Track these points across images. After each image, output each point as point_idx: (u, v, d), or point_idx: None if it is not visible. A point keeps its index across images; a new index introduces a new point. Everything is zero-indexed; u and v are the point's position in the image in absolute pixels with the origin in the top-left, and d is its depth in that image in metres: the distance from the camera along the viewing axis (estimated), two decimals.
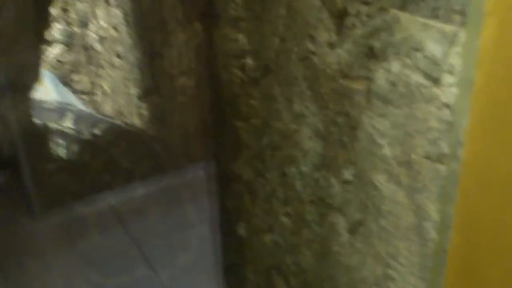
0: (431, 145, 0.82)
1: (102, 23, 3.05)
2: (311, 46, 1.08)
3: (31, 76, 1.35)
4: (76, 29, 3.49)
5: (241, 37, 1.36)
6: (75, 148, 2.29)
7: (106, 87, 3.20)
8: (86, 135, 2.35)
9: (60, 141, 2.24)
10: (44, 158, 1.77)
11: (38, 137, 1.51)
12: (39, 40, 1.37)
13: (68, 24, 3.50)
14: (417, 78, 0.81)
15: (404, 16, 0.81)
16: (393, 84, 0.87)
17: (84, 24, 3.38)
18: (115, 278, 1.83)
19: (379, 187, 0.96)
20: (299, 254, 1.33)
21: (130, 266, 1.86)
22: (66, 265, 1.96)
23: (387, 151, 0.92)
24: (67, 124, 2.40)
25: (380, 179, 0.95)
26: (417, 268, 0.91)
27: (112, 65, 2.96)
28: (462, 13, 0.69)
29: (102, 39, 3.10)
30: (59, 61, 3.54)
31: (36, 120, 1.49)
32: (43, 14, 1.54)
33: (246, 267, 1.66)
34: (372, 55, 0.91)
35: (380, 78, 0.90)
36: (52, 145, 1.89)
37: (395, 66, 0.86)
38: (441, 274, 0.84)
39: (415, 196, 0.88)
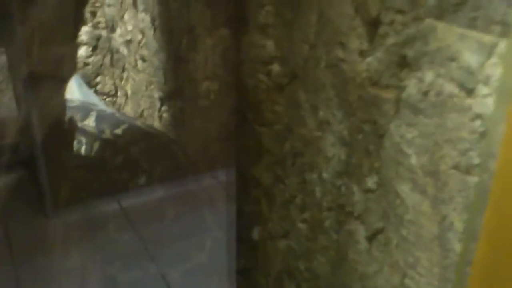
0: (461, 156, 0.82)
1: (129, 27, 3.09)
2: (341, 54, 1.09)
3: (69, 68, 1.37)
4: (103, 32, 3.54)
5: (269, 44, 1.37)
6: (96, 146, 2.31)
7: (128, 89, 3.23)
8: (107, 134, 2.37)
9: (82, 138, 2.27)
10: (63, 155, 1.79)
11: (60, 133, 1.53)
12: (76, 35, 1.40)
13: (95, 27, 3.55)
14: (450, 88, 0.82)
15: (440, 26, 0.82)
16: (425, 93, 0.87)
17: (111, 28, 3.43)
18: (128, 273, 1.84)
19: (402, 196, 0.96)
20: (313, 260, 1.33)
21: (143, 264, 1.87)
22: (77, 261, 1.97)
23: (413, 160, 0.92)
24: (90, 123, 2.43)
25: (404, 189, 0.96)
26: (436, 279, 0.91)
27: (136, 68, 3.00)
28: (503, 23, 0.70)
29: (128, 43, 3.14)
30: (84, 62, 3.59)
31: (60, 117, 1.52)
32: (79, 12, 1.58)
33: (258, 271, 1.66)
34: (404, 64, 0.92)
35: (412, 87, 0.90)
36: (73, 143, 1.91)
37: (428, 75, 0.86)
38: (464, 286, 0.83)
39: (440, 206, 0.88)
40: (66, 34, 1.31)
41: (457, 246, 0.84)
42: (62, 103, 1.47)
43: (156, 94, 2.71)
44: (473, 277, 0.79)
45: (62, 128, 1.51)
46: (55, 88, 1.36)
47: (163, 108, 2.66)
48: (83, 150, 2.28)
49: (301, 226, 1.38)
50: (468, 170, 0.80)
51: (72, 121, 1.54)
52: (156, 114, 2.75)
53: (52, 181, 2.00)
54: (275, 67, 1.36)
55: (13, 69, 1.17)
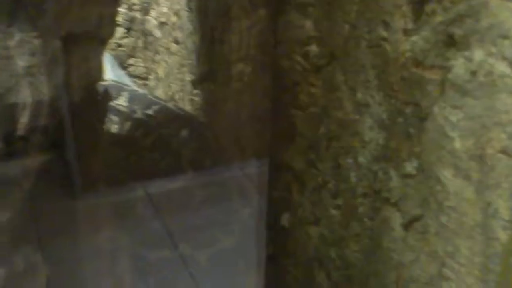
0: (510, 139, 0.77)
1: (163, 9, 3.09)
2: (384, 33, 1.05)
3: (107, 29, 1.37)
4: (137, 14, 3.54)
5: (308, 23, 1.34)
6: (127, 125, 2.32)
7: (160, 72, 3.23)
8: (139, 114, 2.38)
9: (114, 117, 2.28)
10: (95, 130, 1.79)
11: (94, 103, 1.53)
12: None
13: (130, 9, 3.55)
14: (501, 67, 0.77)
15: (493, 1, 0.77)
16: (473, 73, 0.83)
17: (145, 10, 3.42)
18: (158, 251, 1.84)
19: (444, 182, 0.92)
20: (345, 248, 1.30)
21: (172, 244, 1.87)
22: (101, 243, 1.98)
23: (457, 144, 0.88)
24: (122, 102, 2.44)
25: (446, 174, 0.92)
26: (478, 269, 0.87)
27: (169, 51, 2.99)
28: None
29: (161, 25, 3.13)
30: (118, 44, 3.60)
31: (96, 80, 1.51)
32: None
33: (287, 258, 1.63)
34: (451, 43, 0.88)
35: (459, 67, 0.86)
36: (106, 115, 1.92)
37: (477, 54, 0.82)
38: (509, 277, 0.79)
39: (484, 192, 0.83)
40: None
41: (502, 235, 0.80)
42: (100, 65, 1.47)
43: (188, 77, 2.70)
44: None
45: (96, 97, 1.50)
46: (94, 49, 1.35)
47: (195, 91, 2.65)
48: (114, 128, 2.29)
49: (334, 212, 1.35)
50: None
51: (107, 92, 1.54)
52: (187, 97, 2.74)
53: (81, 162, 2.01)
54: (313, 48, 1.33)
55: (50, 32, 1.16)
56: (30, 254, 1.45)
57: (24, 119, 1.23)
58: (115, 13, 1.37)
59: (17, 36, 1.18)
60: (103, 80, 1.60)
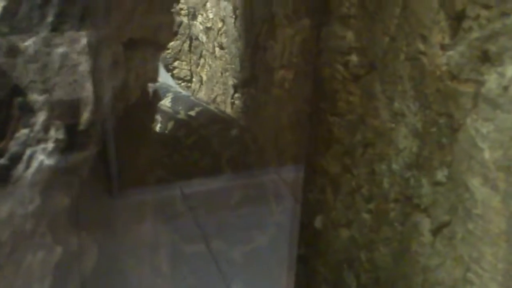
0: None
1: (210, 15, 3.18)
2: (421, 47, 1.10)
3: (165, 36, 1.46)
4: (184, 19, 3.66)
5: (349, 34, 1.40)
6: (170, 125, 2.41)
7: (204, 75, 3.33)
8: (182, 115, 2.47)
9: (158, 117, 2.38)
10: (143, 128, 1.88)
11: (145, 103, 1.62)
12: (172, 6, 1.50)
13: (178, 13, 3.67)
14: None
15: None
16: (504, 88, 0.88)
17: (192, 15, 3.53)
18: (194, 245, 1.92)
19: (472, 191, 0.97)
20: (375, 251, 1.35)
21: (206, 240, 1.95)
22: (136, 240, 2.05)
23: (487, 155, 0.93)
24: (166, 103, 2.54)
25: (474, 183, 0.96)
26: (501, 274, 0.91)
27: (214, 55, 3.08)
28: None
29: (207, 30, 3.23)
30: None
31: (153, 80, 1.60)
32: None
33: (317, 259, 1.69)
34: (485, 58, 0.92)
35: (492, 82, 0.91)
36: (155, 115, 2.01)
37: (509, 70, 0.87)
38: None
39: (510, 202, 0.88)
40: (163, 4, 1.40)
41: None
42: (156, 69, 1.56)
43: (231, 81, 2.78)
44: None
45: (148, 97, 1.60)
46: (152, 54, 1.44)
47: (236, 95, 2.73)
48: (158, 127, 2.39)
49: (366, 216, 1.40)
50: None
51: (156, 93, 1.63)
52: (228, 100, 2.83)
53: (124, 159, 2.10)
54: (353, 58, 1.38)
55: (113, 38, 1.26)
56: (83, 237, 1.54)
57: (86, 115, 1.33)
58: (172, 21, 1.47)
59: (84, 41, 1.28)
60: (157, 81, 1.69)
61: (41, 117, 1.24)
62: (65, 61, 1.29)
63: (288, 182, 2.05)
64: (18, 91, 1.26)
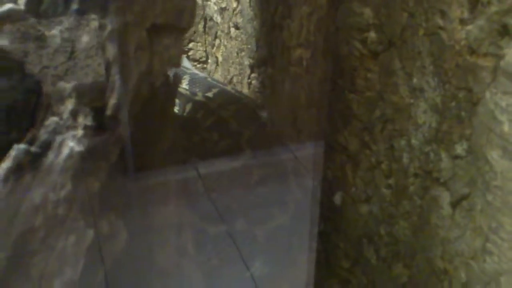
0: None
1: None
2: (440, 22, 1.11)
3: (188, 19, 1.48)
4: (199, 0, 3.66)
5: (367, 11, 1.41)
6: (188, 107, 2.44)
7: (219, 56, 3.35)
8: (199, 96, 2.49)
9: (176, 100, 2.40)
10: (163, 116, 1.91)
11: (165, 92, 1.64)
12: None
13: None
14: None
15: None
16: None
17: None
18: (216, 226, 1.95)
19: (491, 163, 0.99)
20: (395, 225, 1.38)
21: (229, 219, 1.98)
22: (154, 220, 2.08)
23: (506, 127, 0.94)
24: (183, 85, 2.56)
25: (494, 155, 0.98)
26: None
27: (229, 36, 3.09)
28: None
29: (222, 10, 3.23)
30: None
31: (177, 65, 1.62)
32: None
33: (337, 235, 1.72)
34: (505, 32, 0.94)
35: (511, 55, 0.92)
36: (175, 97, 2.03)
37: None
38: None
39: None
40: None
41: None
42: (179, 53, 1.59)
43: (247, 61, 2.79)
44: None
45: (169, 81, 1.62)
46: (175, 38, 1.47)
47: (253, 75, 2.74)
48: (176, 110, 2.42)
49: (385, 191, 1.43)
50: None
51: (177, 76, 1.65)
52: (245, 80, 2.84)
53: (143, 143, 2.12)
54: (371, 35, 1.40)
55: (137, 23, 1.28)
56: (113, 220, 1.59)
57: (113, 100, 1.36)
58: (194, 4, 1.49)
59: (108, 27, 1.31)
60: (180, 66, 1.71)
61: (69, 105, 1.28)
62: (91, 48, 1.32)
63: (307, 160, 2.06)
64: (45, 79, 1.29)
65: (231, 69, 3.09)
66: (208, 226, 1.96)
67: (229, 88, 2.70)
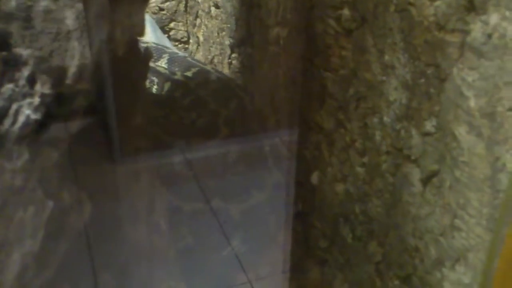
0: None
1: None
2: None
3: None
4: None
5: None
6: (167, 86, 2.42)
7: (200, 36, 3.31)
8: (178, 75, 2.47)
9: (154, 78, 2.38)
10: (135, 92, 1.89)
11: (136, 60, 1.62)
12: None
13: None
14: None
15: None
16: (489, 36, 0.88)
17: None
18: (191, 204, 1.96)
19: (459, 139, 0.99)
20: (368, 203, 1.38)
21: (206, 198, 1.98)
22: (139, 204, 2.08)
23: (472, 103, 0.94)
24: (162, 64, 2.54)
25: (461, 131, 0.98)
26: (485, 219, 0.94)
27: (209, 15, 3.06)
28: None
29: None
30: (159, 7, 3.68)
31: (140, 35, 1.60)
32: None
33: (314, 215, 1.72)
34: (471, 7, 0.93)
35: (476, 30, 0.91)
36: (147, 74, 2.01)
37: (493, 18, 0.87)
38: (507, 225, 0.86)
39: (494, 148, 0.90)
40: None
41: (506, 186, 0.86)
42: (142, 22, 1.56)
43: (227, 41, 2.77)
44: None
45: (138, 54, 1.60)
46: (137, 6, 1.44)
47: (233, 55, 2.72)
48: (154, 88, 2.40)
49: (359, 170, 1.43)
50: None
51: (147, 50, 1.63)
52: (226, 60, 2.82)
53: (121, 123, 2.11)
54: (345, 12, 1.38)
55: None
56: (75, 193, 1.58)
57: (72, 68, 1.34)
58: None
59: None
60: (143, 35, 1.68)
61: (26, 72, 1.25)
62: (48, 15, 1.29)
63: (285, 140, 2.06)
64: (1, 45, 1.26)
65: (212, 49, 3.06)
66: (183, 204, 1.96)
67: (209, 68, 2.68)
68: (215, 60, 3.00)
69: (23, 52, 1.25)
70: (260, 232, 1.99)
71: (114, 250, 1.86)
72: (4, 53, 1.21)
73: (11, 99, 1.20)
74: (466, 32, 0.94)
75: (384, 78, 1.24)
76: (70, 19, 1.36)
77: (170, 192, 2.11)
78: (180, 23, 3.60)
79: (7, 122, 1.20)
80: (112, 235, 1.86)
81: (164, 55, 2.60)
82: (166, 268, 1.84)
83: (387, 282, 1.33)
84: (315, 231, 1.75)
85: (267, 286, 1.93)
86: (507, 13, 0.84)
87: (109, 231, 1.90)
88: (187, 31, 3.59)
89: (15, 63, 1.23)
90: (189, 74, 2.48)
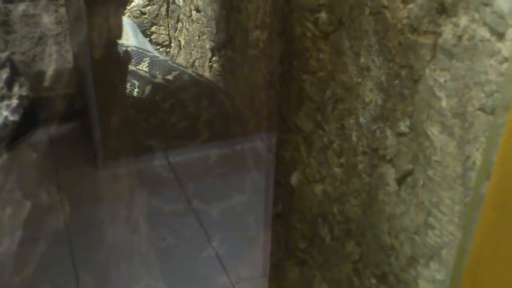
0: (487, 98, 0.86)
1: None
2: (384, 1, 1.13)
3: None
4: None
5: None
6: (148, 89, 2.43)
7: (182, 40, 3.32)
8: (159, 79, 2.48)
9: (135, 81, 2.39)
10: (115, 96, 1.89)
11: (115, 63, 1.63)
12: None
13: None
14: (482, 32, 0.85)
15: None
16: (459, 38, 0.91)
17: None
18: (171, 205, 1.96)
19: (432, 138, 1.01)
20: (346, 203, 1.40)
21: (186, 200, 1.99)
22: (121, 209, 2.08)
23: (444, 103, 0.96)
24: (143, 67, 2.54)
25: (434, 131, 1.00)
26: (457, 217, 0.96)
27: (190, 19, 3.07)
28: None
29: None
30: (141, 11, 3.69)
31: (117, 38, 1.60)
32: None
33: (294, 216, 1.74)
34: (442, 10, 0.95)
35: (447, 32, 0.94)
36: (126, 77, 2.01)
37: (463, 20, 0.89)
38: (475, 220, 0.88)
39: (465, 146, 0.92)
40: None
41: (475, 183, 0.89)
42: (120, 25, 1.57)
43: (208, 44, 2.78)
44: (483, 211, 0.84)
45: (117, 57, 1.61)
46: (114, 9, 1.45)
47: (214, 58, 2.74)
48: (136, 92, 2.40)
49: (337, 170, 1.45)
50: (492, 111, 0.84)
51: (127, 53, 1.63)
52: (206, 64, 2.83)
53: (102, 127, 2.10)
54: (322, 15, 1.40)
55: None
56: (53, 194, 1.58)
57: (50, 71, 1.35)
58: None
59: (43, 3, 1.29)
60: (121, 38, 1.69)
61: (3, 74, 1.25)
62: (26, 18, 1.30)
63: (265, 142, 2.08)
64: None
65: (193, 53, 3.07)
66: (163, 205, 1.96)
67: (189, 71, 2.69)
68: (196, 64, 3.01)
69: (1, 55, 1.26)
70: (240, 233, 2.00)
71: (94, 252, 1.86)
72: None
73: None
74: (438, 34, 0.97)
75: (360, 80, 1.26)
76: (52, 23, 1.36)
77: (151, 194, 2.11)
78: (162, 27, 3.60)
79: None
80: (93, 236, 1.86)
81: (145, 59, 2.60)
82: (147, 268, 1.85)
83: (365, 280, 1.35)
84: (295, 232, 1.77)
85: (247, 287, 1.94)
86: (476, 15, 0.86)
87: (90, 232, 1.90)
88: (168, 34, 3.60)
89: None
90: (170, 77, 2.49)
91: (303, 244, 1.72)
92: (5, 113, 1.20)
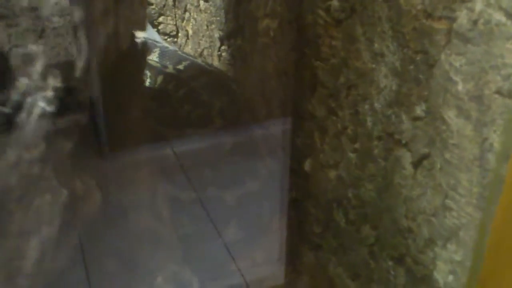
0: (504, 81, 0.87)
1: None
2: None
3: None
4: None
5: None
6: (159, 79, 2.45)
7: (189, 30, 3.33)
8: (170, 69, 2.50)
9: (147, 72, 2.41)
10: (133, 86, 1.91)
11: (134, 53, 1.65)
12: None
13: None
14: (498, 16, 0.87)
15: None
16: (474, 23, 0.93)
17: None
18: (188, 192, 1.99)
19: (448, 122, 1.03)
20: (361, 188, 1.42)
21: (201, 187, 2.02)
22: (131, 198, 2.10)
23: (460, 87, 0.98)
24: (153, 58, 2.56)
25: (450, 114, 1.02)
26: (475, 198, 0.98)
27: (198, 9, 3.08)
28: None
29: None
30: (148, 2, 3.69)
31: (140, 29, 1.62)
32: None
33: (308, 201, 1.76)
34: None
35: (463, 17, 0.95)
36: (145, 66, 2.04)
37: (478, 5, 0.91)
38: (496, 202, 0.91)
39: (482, 129, 0.94)
40: None
41: (494, 165, 0.91)
42: (144, 17, 1.59)
43: (216, 34, 2.79)
44: (504, 193, 0.86)
45: (137, 48, 1.63)
46: (140, 1, 1.48)
47: (223, 47, 2.75)
48: (148, 82, 2.42)
49: (351, 155, 1.47)
50: (509, 94, 0.86)
51: (145, 44, 1.65)
52: (215, 53, 2.84)
53: (120, 118, 2.12)
54: (334, 3, 1.42)
55: None
56: (86, 182, 1.61)
57: (80, 62, 1.37)
58: None
59: None
60: (145, 30, 1.71)
61: (38, 66, 1.28)
62: (57, 9, 1.32)
63: (277, 129, 2.10)
64: (14, 41, 1.30)
65: (202, 42, 3.08)
66: (178, 194, 1.99)
67: (199, 61, 2.70)
68: (205, 53, 3.02)
69: (35, 47, 1.29)
70: (255, 219, 2.03)
71: (106, 240, 1.88)
72: (17, 48, 1.25)
73: (26, 93, 1.25)
74: (453, 19, 0.98)
75: (374, 65, 1.27)
76: (76, 12, 1.39)
77: (166, 181, 2.14)
78: (169, 17, 3.61)
79: (23, 114, 1.25)
80: (110, 224, 1.89)
81: (155, 49, 2.62)
82: (167, 255, 1.88)
83: (381, 263, 1.38)
84: (310, 217, 1.80)
85: (263, 273, 1.97)
86: (492, 0, 0.88)
87: (110, 218, 1.93)
88: (175, 25, 3.60)
89: (29, 59, 1.27)
90: (180, 67, 2.50)
91: (318, 229, 1.74)
92: (41, 104, 1.25)
